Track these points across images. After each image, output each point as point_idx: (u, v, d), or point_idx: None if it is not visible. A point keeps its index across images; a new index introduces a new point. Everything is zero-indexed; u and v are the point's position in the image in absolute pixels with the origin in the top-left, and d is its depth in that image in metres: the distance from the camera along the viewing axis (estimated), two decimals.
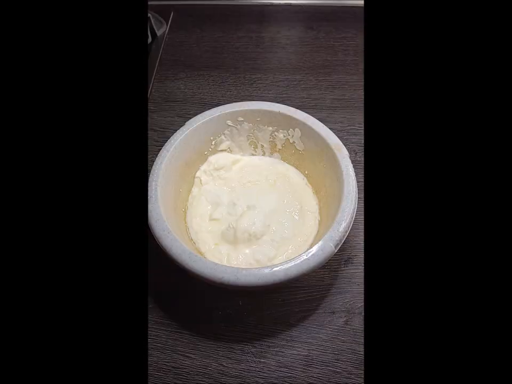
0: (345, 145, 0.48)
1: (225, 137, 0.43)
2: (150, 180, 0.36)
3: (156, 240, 0.33)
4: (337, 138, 0.40)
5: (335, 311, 0.37)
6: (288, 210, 0.41)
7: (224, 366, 0.35)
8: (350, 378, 0.34)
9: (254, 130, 0.44)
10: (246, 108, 0.42)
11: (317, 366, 0.35)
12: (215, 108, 0.42)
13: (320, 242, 0.32)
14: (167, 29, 0.65)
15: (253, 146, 0.46)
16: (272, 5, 0.67)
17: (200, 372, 0.35)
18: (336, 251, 0.32)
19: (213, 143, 0.43)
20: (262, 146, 0.45)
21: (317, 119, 0.51)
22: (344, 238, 0.33)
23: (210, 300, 0.38)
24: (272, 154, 0.46)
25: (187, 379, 0.34)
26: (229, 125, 0.42)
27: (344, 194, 0.35)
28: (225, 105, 0.42)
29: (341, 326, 0.37)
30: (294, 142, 0.43)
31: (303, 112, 0.42)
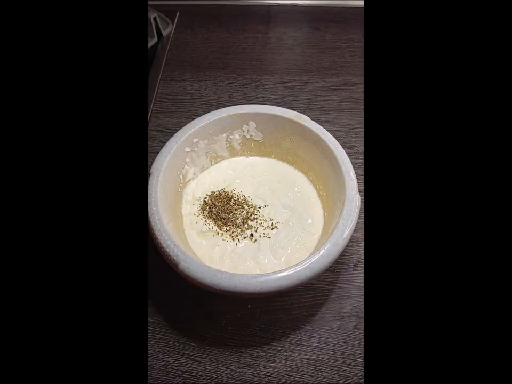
0: (353, 147, 0.49)
1: (188, 165, 0.42)
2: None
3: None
4: (292, 110, 0.41)
5: (345, 315, 0.37)
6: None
7: (233, 370, 0.35)
8: (360, 383, 0.34)
9: (210, 145, 0.43)
10: (197, 127, 0.40)
11: (326, 371, 0.34)
12: (169, 141, 0.40)
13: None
14: (173, 29, 0.64)
15: (213, 160, 0.45)
16: (278, 5, 0.67)
17: (209, 376, 0.34)
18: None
19: (181, 176, 0.42)
20: (222, 156, 0.45)
21: (325, 121, 0.51)
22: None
23: (219, 303, 0.38)
24: (232, 157, 0.46)
25: (196, 383, 0.34)
26: (188, 151, 0.41)
27: (332, 150, 0.37)
28: (176, 133, 0.40)
29: (350, 330, 0.36)
30: (251, 135, 0.43)
31: (250, 105, 0.42)
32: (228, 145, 0.44)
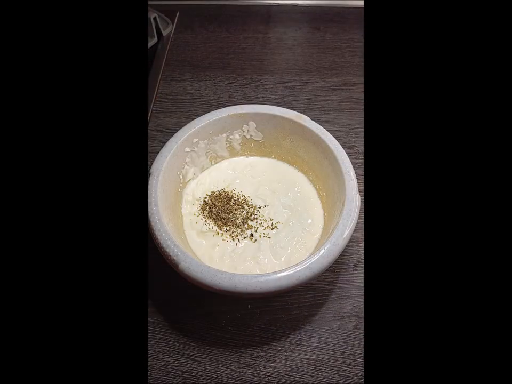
0: (353, 147, 0.49)
1: (188, 165, 0.42)
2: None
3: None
4: (292, 110, 0.41)
5: (345, 315, 0.37)
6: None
7: (233, 370, 0.35)
8: (360, 383, 0.34)
9: (210, 145, 0.43)
10: (197, 127, 0.40)
11: (326, 371, 0.34)
12: (169, 141, 0.40)
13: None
14: (173, 29, 0.64)
15: (213, 160, 0.45)
16: (278, 5, 0.67)
17: (209, 376, 0.34)
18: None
19: (181, 176, 0.42)
20: (222, 156, 0.45)
21: (325, 121, 0.51)
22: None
23: (219, 303, 0.38)
24: (232, 157, 0.46)
25: (196, 383, 0.34)
26: (187, 151, 0.41)
27: (332, 150, 0.38)
28: (176, 133, 0.40)
29: (350, 330, 0.36)
30: (251, 135, 0.43)
31: (250, 105, 0.42)
32: (228, 145, 0.44)
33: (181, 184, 0.42)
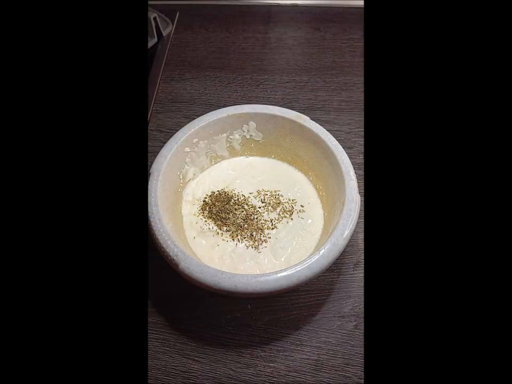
0: (353, 147, 0.49)
1: (188, 165, 0.42)
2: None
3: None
4: (292, 110, 0.41)
5: (345, 315, 0.37)
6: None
7: (233, 370, 0.35)
8: (360, 383, 0.34)
9: (210, 145, 0.43)
10: (197, 127, 0.40)
11: (326, 371, 0.34)
12: (169, 141, 0.39)
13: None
14: (173, 29, 0.64)
15: (213, 160, 0.45)
16: (278, 6, 0.67)
17: (209, 376, 0.34)
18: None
19: (181, 176, 0.42)
20: (222, 156, 0.45)
21: (324, 121, 0.51)
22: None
23: (219, 303, 0.38)
24: (232, 157, 0.46)
25: (196, 383, 0.34)
26: (187, 151, 0.41)
27: (332, 150, 0.37)
28: (176, 133, 0.40)
29: (350, 330, 0.36)
30: (251, 135, 0.43)
31: (250, 105, 0.42)
32: (228, 145, 0.44)
33: (181, 184, 0.42)
